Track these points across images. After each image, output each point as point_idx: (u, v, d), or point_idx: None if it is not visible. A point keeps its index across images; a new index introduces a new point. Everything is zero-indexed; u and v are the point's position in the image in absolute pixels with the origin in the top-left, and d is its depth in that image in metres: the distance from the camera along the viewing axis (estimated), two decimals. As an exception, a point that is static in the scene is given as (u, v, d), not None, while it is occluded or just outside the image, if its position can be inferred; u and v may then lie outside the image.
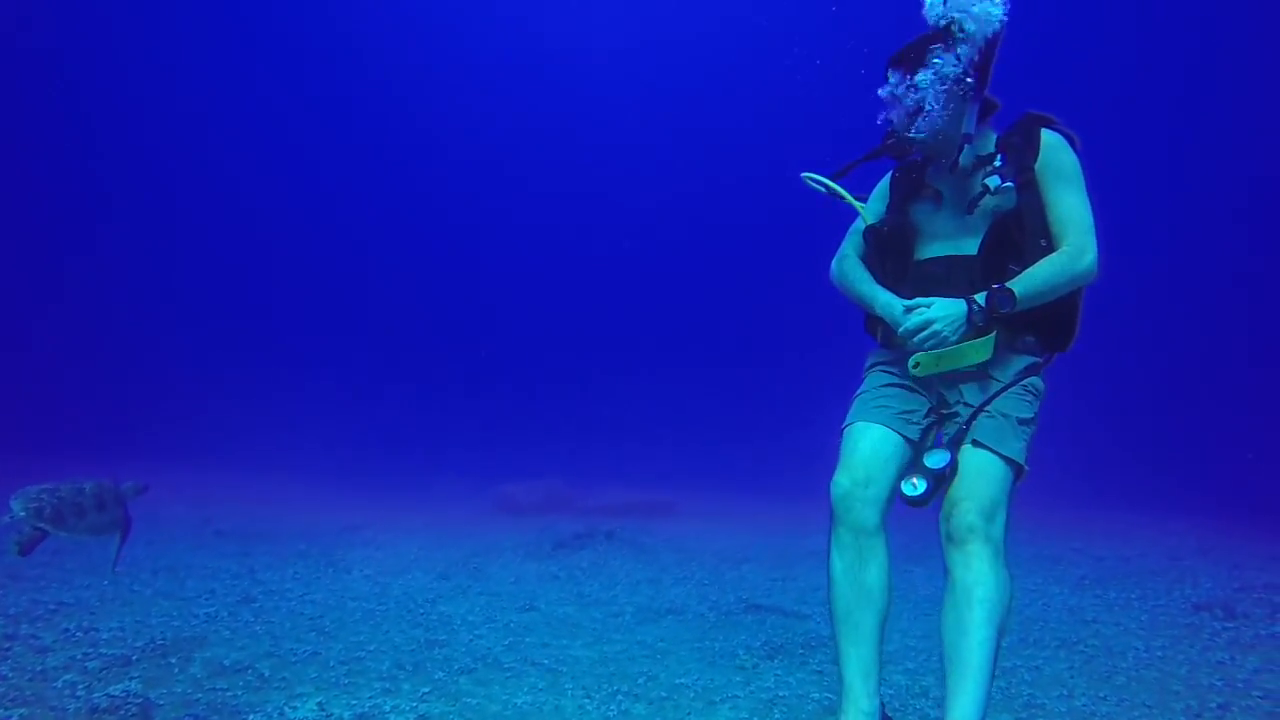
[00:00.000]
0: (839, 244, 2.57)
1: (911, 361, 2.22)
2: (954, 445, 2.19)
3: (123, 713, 3.16)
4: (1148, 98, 25.93)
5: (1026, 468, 2.17)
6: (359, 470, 16.65)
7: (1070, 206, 2.13)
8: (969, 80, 2.16)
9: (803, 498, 15.11)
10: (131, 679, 3.58)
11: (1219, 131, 24.64)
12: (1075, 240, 2.11)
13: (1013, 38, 2.13)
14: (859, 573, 2.11)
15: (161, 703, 3.34)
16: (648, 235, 35.73)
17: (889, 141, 2.27)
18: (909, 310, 2.17)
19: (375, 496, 13.52)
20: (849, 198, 2.41)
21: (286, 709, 3.31)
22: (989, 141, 2.29)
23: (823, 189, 2.44)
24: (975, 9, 2.08)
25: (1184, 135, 25.73)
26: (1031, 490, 2.42)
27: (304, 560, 6.96)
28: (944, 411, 2.34)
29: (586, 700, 3.68)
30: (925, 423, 2.34)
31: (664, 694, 3.81)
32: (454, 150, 35.26)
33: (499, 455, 19.47)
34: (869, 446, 2.22)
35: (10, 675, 3.61)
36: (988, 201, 2.16)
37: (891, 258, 2.35)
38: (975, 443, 2.15)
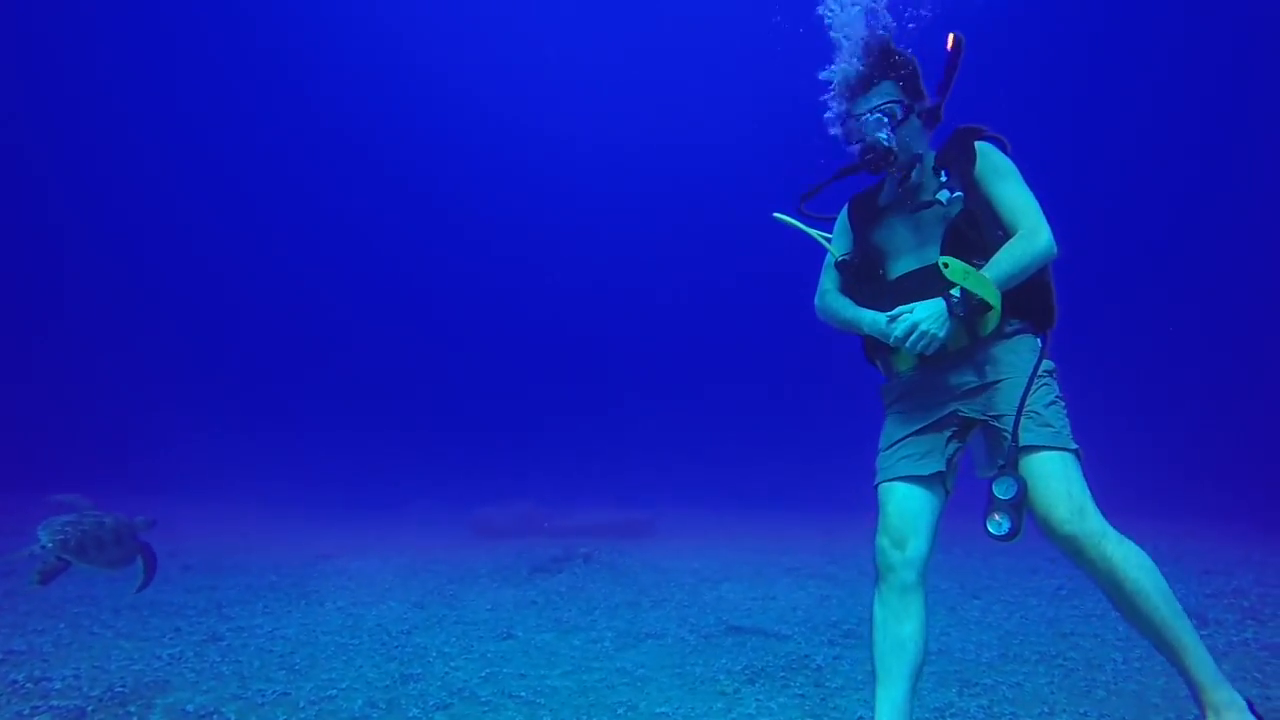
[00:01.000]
0: (815, 275, 2.66)
1: (903, 368, 2.42)
2: (1011, 466, 2.25)
3: (78, 767, 3.02)
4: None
5: (1078, 448, 2.27)
6: (331, 497, 16.35)
7: (1014, 196, 2.32)
8: (927, 109, 2.44)
9: (779, 514, 15.13)
10: (88, 730, 3.43)
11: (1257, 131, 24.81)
12: (1027, 223, 2.28)
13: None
14: (896, 626, 2.25)
15: (120, 754, 3.20)
16: (618, 256, 35.91)
17: (867, 158, 2.38)
18: (893, 320, 2.30)
19: (348, 523, 13.27)
20: (818, 236, 2.55)
21: (253, 756, 3.19)
22: (930, 157, 2.48)
23: (795, 227, 2.60)
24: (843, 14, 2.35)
25: (1220, 135, 25.93)
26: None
27: (274, 593, 6.78)
28: (963, 415, 2.39)
29: (566, 734, 3.60)
30: (950, 449, 2.42)
31: (645, 724, 3.74)
32: (425, 173, 35.26)
33: (474, 479, 19.27)
34: (897, 507, 2.36)
35: (-52, 736, 3.45)
36: (937, 210, 2.37)
37: (866, 282, 2.48)
38: (1030, 448, 2.23)
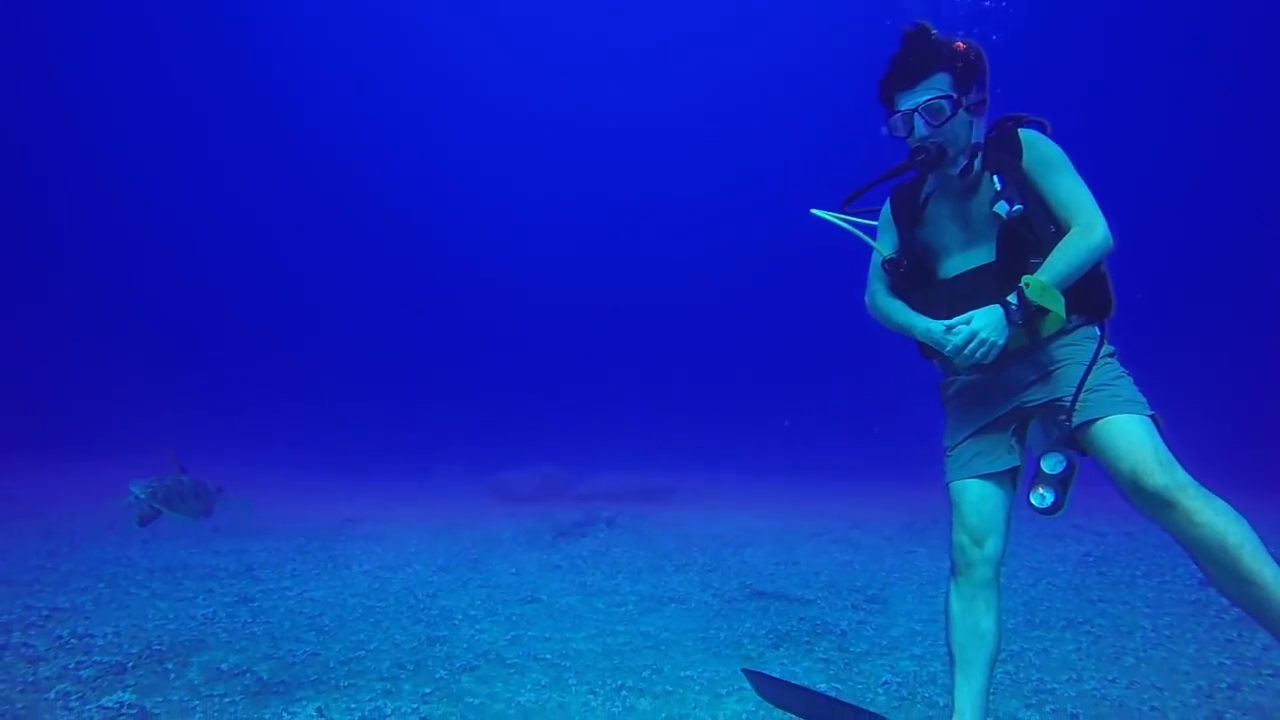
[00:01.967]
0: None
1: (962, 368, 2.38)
2: (1065, 444, 2.20)
3: (118, 723, 3.09)
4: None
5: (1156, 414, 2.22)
6: (354, 463, 16.58)
7: (1067, 189, 2.24)
8: (977, 101, 2.35)
9: (799, 480, 15.12)
10: (126, 688, 3.51)
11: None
12: (1083, 218, 2.21)
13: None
14: (975, 619, 2.27)
15: (157, 712, 3.27)
16: (642, 223, 35.84)
17: (918, 157, 2.30)
18: (950, 330, 2.26)
19: (372, 488, 13.44)
20: (861, 234, 2.46)
21: (285, 715, 3.25)
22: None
23: (836, 224, 2.50)
24: None
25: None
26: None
27: (302, 556, 6.90)
28: (1025, 408, 2.37)
29: (591, 696, 3.63)
30: (1015, 441, 2.41)
31: (669, 687, 3.76)
32: (451, 146, 35.36)
33: (494, 444, 19.44)
34: (973, 506, 2.36)
35: (0, 687, 3.54)
36: (984, 208, 2.31)
37: (917, 285, 2.43)
38: (1104, 417, 2.18)
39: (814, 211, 2.49)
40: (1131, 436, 2.12)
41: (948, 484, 2.48)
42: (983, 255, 2.33)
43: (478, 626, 4.78)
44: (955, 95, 2.27)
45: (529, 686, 3.73)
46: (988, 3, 2.51)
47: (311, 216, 35.06)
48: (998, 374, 2.37)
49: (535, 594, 5.68)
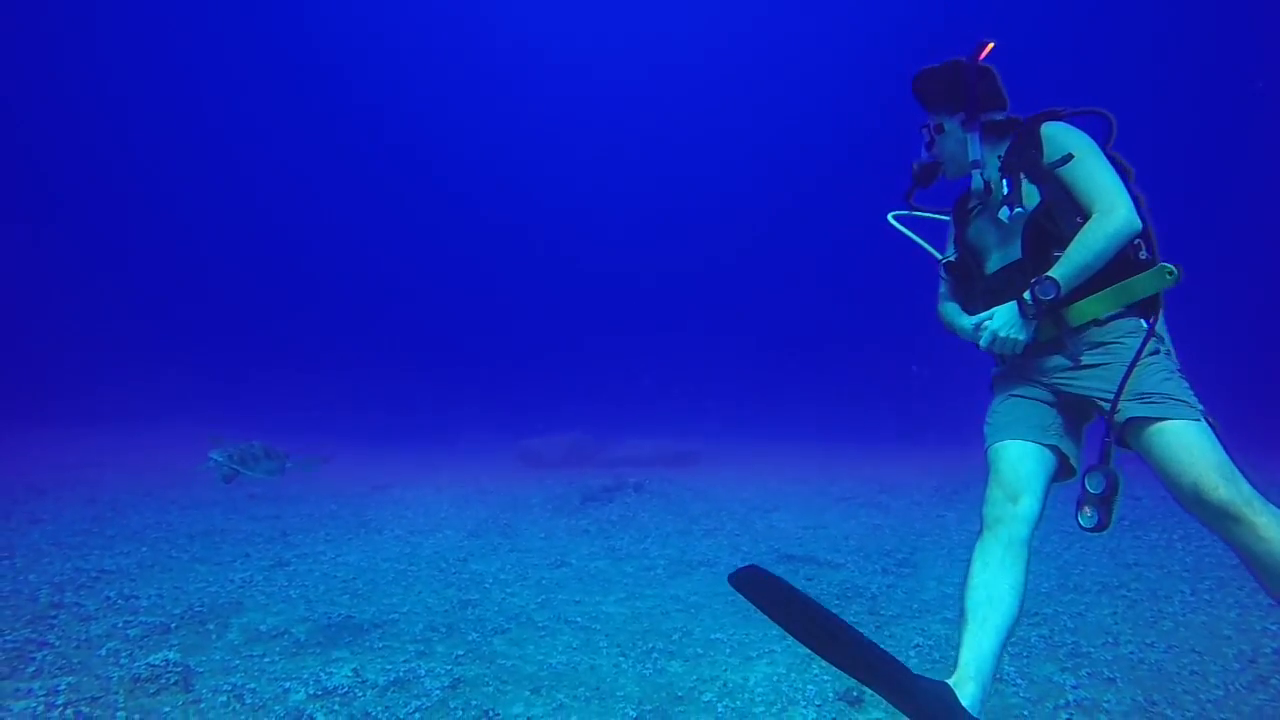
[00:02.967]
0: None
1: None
2: (1104, 460, 2.17)
3: (163, 681, 3.18)
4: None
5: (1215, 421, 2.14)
6: (384, 429, 16.80)
7: (1086, 176, 2.23)
8: (954, 125, 2.46)
9: (826, 445, 15.05)
10: (171, 647, 3.61)
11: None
12: (1101, 203, 2.19)
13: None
14: (994, 577, 2.09)
15: (200, 670, 3.36)
16: (671, 192, 35.76)
17: (915, 174, 2.57)
18: (978, 328, 2.35)
19: (402, 454, 13.64)
20: (923, 243, 2.63)
21: (322, 675, 3.31)
22: (1000, 152, 2.44)
23: (906, 235, 2.69)
24: None
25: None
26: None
27: (335, 521, 7.02)
28: (1063, 390, 2.33)
29: (622, 658, 3.65)
30: (1059, 424, 2.35)
31: (699, 650, 3.78)
32: (487, 114, 35.53)
33: (522, 410, 19.59)
34: (1010, 465, 2.27)
35: (57, 643, 3.66)
36: (997, 214, 2.36)
37: (964, 282, 2.55)
38: (1158, 422, 2.10)
39: (890, 218, 2.68)
40: (1192, 447, 2.02)
41: (987, 450, 2.42)
42: (1015, 252, 2.37)
43: (508, 590, 4.83)
44: (938, 119, 2.49)
45: (560, 649, 3.77)
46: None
47: (345, 186, 35.43)
48: (1036, 359, 2.38)
49: (564, 558, 5.73)
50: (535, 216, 36.41)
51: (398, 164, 35.75)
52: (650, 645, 3.83)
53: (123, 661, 3.44)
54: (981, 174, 2.43)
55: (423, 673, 3.37)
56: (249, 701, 3.05)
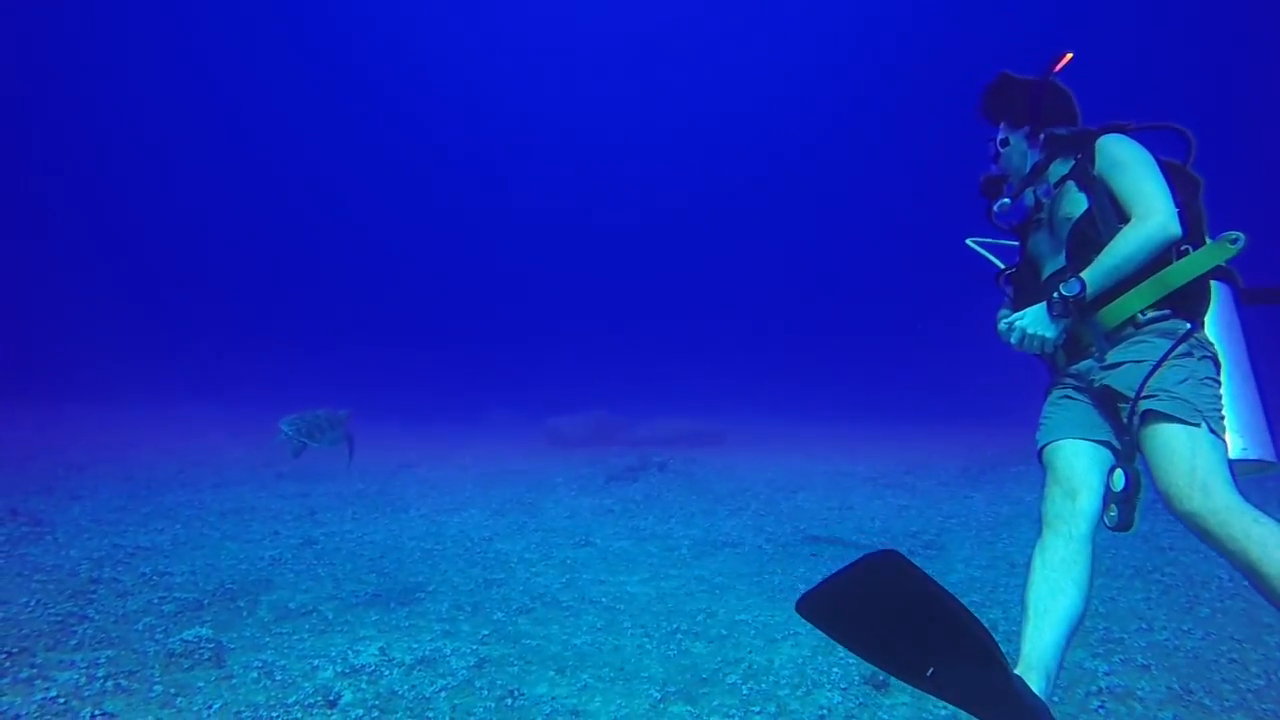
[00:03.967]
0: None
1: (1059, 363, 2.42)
2: (1127, 460, 2.17)
3: (197, 656, 3.24)
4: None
5: (1217, 428, 2.06)
6: (412, 406, 16.96)
7: (1131, 184, 2.23)
8: (1018, 139, 2.49)
9: (851, 425, 14.94)
10: (204, 623, 3.68)
11: None
12: (1139, 208, 2.18)
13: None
14: (1058, 574, 2.04)
15: (232, 646, 3.42)
16: (696, 174, 35.60)
17: (981, 186, 2.60)
18: (1009, 328, 2.34)
19: (427, 433, 13.77)
20: (992, 258, 2.64)
21: (350, 653, 3.36)
22: (1063, 167, 2.42)
23: (980, 254, 2.69)
24: None
25: None
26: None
27: (362, 500, 7.11)
28: (1116, 405, 2.29)
29: (645, 639, 3.66)
30: (1109, 424, 2.31)
31: (723, 631, 3.77)
32: (514, 96, 35.54)
33: (546, 388, 19.67)
34: (1066, 462, 2.25)
35: (96, 617, 3.75)
36: (1063, 215, 2.36)
37: (1021, 293, 2.55)
38: (1155, 419, 2.08)
39: (968, 242, 2.70)
40: (1174, 454, 2.01)
41: (1040, 451, 2.40)
42: (1062, 260, 2.39)
43: (533, 570, 4.86)
44: (1003, 134, 2.54)
45: (584, 629, 3.78)
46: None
47: (374, 168, 35.70)
48: (1076, 361, 2.37)
49: (589, 538, 5.74)
50: (566, 199, 36.48)
51: (430, 146, 35.95)
52: (674, 626, 3.83)
53: (158, 636, 3.51)
54: (1034, 191, 2.48)
55: (448, 652, 3.40)
56: (279, 678, 3.10)
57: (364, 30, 33.00)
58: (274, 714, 2.80)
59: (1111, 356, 2.23)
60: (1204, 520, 1.91)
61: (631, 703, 2.99)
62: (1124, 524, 2.08)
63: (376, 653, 3.36)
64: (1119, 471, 2.12)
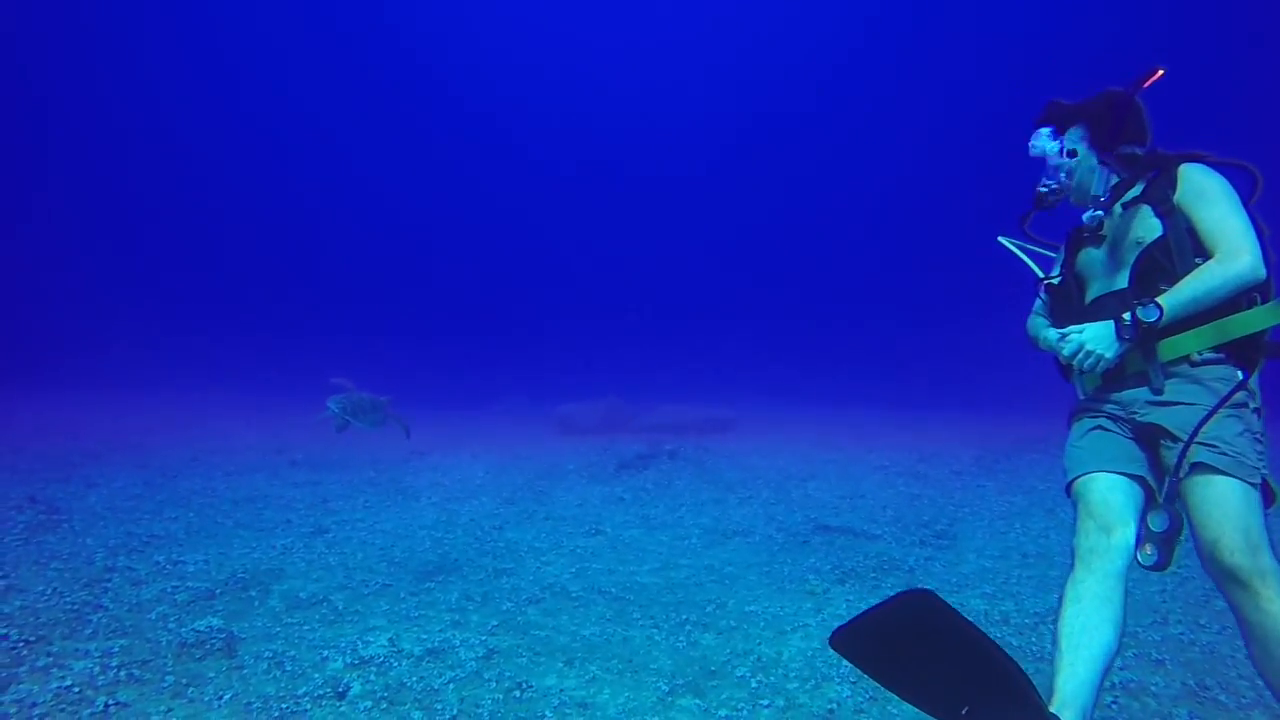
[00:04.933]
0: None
1: (1088, 387, 2.41)
2: (1169, 501, 2.13)
3: (208, 646, 3.27)
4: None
5: (1276, 486, 2.09)
6: (420, 395, 17.02)
7: (1216, 219, 2.19)
8: (1088, 152, 2.41)
9: (863, 412, 14.86)
10: (216, 613, 3.71)
11: None
12: (1226, 245, 2.15)
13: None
14: (1094, 610, 2.02)
15: (243, 636, 3.44)
16: (706, 164, 35.46)
17: (1040, 197, 2.49)
18: (1063, 338, 2.28)
19: (438, 420, 13.81)
20: (1029, 261, 2.62)
21: (359, 644, 3.37)
22: (1135, 189, 2.37)
23: (1013, 253, 2.65)
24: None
25: None
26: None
27: (373, 488, 7.14)
28: (1159, 442, 2.27)
29: (655, 630, 3.65)
30: (1144, 457, 2.30)
31: (733, 623, 3.76)
32: (538, 83, 35.45)
33: (557, 374, 19.70)
34: (1101, 496, 2.20)
35: (111, 606, 3.79)
36: (1133, 238, 2.30)
37: (1061, 306, 2.51)
38: (1207, 471, 2.05)
39: (1000, 240, 2.65)
40: (1229, 508, 1.99)
41: (1070, 484, 2.35)
42: (1120, 282, 2.33)
43: (543, 559, 4.87)
44: (1067, 145, 2.45)
45: (593, 620, 3.78)
46: None
47: (386, 155, 35.74)
48: (1118, 390, 2.32)
49: (599, 527, 5.75)
50: (578, 185, 36.39)
51: (441, 133, 35.87)
52: (684, 617, 3.82)
53: (171, 626, 3.54)
54: (1098, 207, 2.41)
55: (457, 643, 3.41)
56: (289, 669, 3.12)
57: (383, 16, 32.89)
58: (284, 705, 2.81)
59: (1170, 394, 2.20)
60: (1248, 575, 1.91)
61: (640, 695, 2.99)
62: (1161, 564, 2.09)
63: (386, 644, 3.37)
64: (1162, 513, 2.09)
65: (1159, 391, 2.21)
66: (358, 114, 34.65)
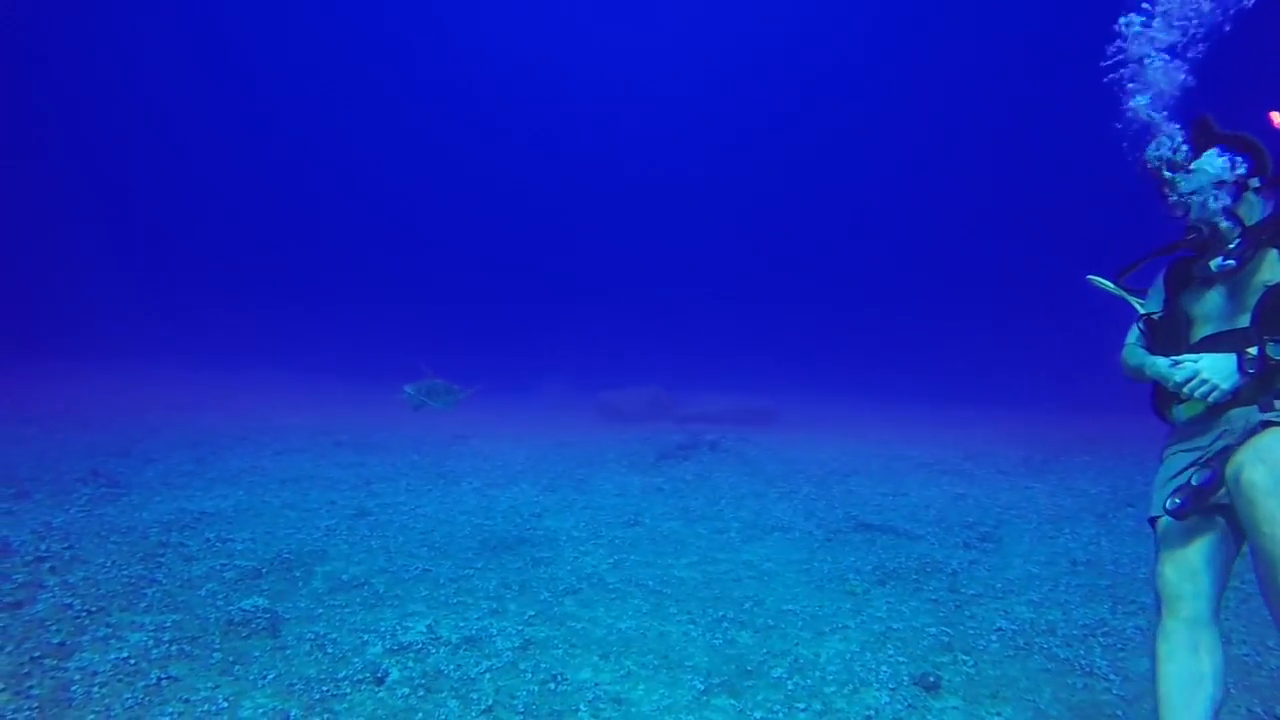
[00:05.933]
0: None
1: (1186, 415, 2.35)
2: (1217, 459, 2.13)
3: (254, 626, 3.35)
4: None
5: None
6: (468, 377, 17.23)
7: None
8: (1245, 178, 2.28)
9: (907, 407, 14.57)
10: (261, 592, 3.80)
11: None
12: None
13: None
14: (1189, 660, 2.04)
15: (287, 617, 3.52)
16: (748, 150, 35.09)
17: (1190, 236, 2.34)
18: (1176, 364, 2.26)
19: (482, 403, 13.93)
20: (1128, 297, 2.58)
21: (399, 629, 3.42)
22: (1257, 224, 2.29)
23: (1107, 290, 2.61)
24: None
25: None
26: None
27: (416, 472, 7.25)
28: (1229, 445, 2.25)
29: (691, 626, 3.63)
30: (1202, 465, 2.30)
31: (770, 621, 3.72)
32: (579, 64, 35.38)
33: (601, 358, 19.77)
34: (1182, 538, 2.19)
35: (164, 581, 3.92)
36: (1259, 279, 2.24)
37: (1165, 344, 2.44)
38: (1265, 425, 2.08)
39: (1090, 279, 2.60)
40: (1267, 441, 2.02)
41: (1154, 519, 2.33)
42: (1240, 321, 2.27)
43: (581, 549, 4.88)
44: (1235, 177, 2.29)
45: (630, 613, 3.77)
46: None
47: (428, 137, 36.10)
48: (1219, 416, 2.28)
49: (638, 518, 5.74)
50: (628, 175, 36.35)
51: (486, 117, 36.11)
52: (721, 614, 3.79)
53: (219, 604, 3.64)
54: (1234, 261, 2.29)
55: (494, 632, 3.44)
56: (330, 651, 3.18)
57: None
58: (324, 688, 2.87)
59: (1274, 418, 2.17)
60: (1262, 494, 1.92)
61: (674, 693, 2.97)
62: (1182, 510, 2.11)
63: (424, 630, 3.42)
64: (1205, 471, 2.12)
65: (1268, 409, 2.16)
66: (410, 95, 34.95)
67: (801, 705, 2.91)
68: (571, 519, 5.66)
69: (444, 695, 2.87)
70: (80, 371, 13.96)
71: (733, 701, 2.93)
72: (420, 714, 2.74)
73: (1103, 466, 7.92)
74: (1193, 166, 2.30)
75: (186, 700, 2.76)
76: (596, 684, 3.02)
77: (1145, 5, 2.37)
